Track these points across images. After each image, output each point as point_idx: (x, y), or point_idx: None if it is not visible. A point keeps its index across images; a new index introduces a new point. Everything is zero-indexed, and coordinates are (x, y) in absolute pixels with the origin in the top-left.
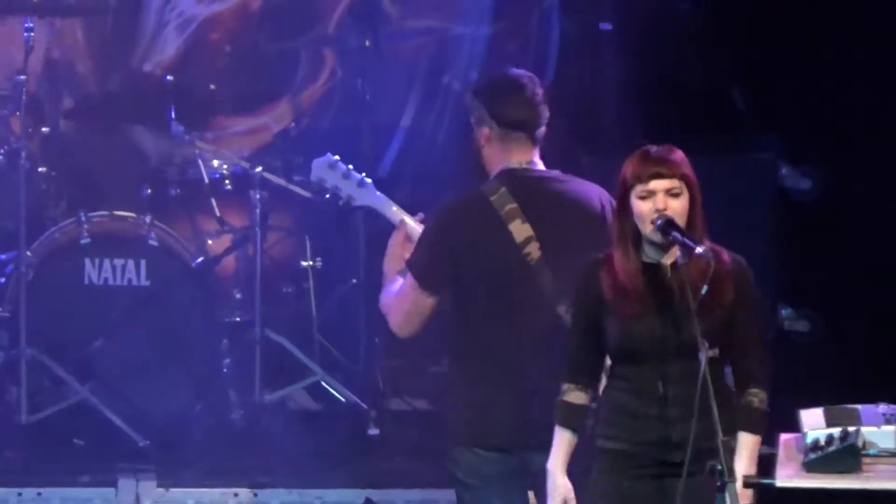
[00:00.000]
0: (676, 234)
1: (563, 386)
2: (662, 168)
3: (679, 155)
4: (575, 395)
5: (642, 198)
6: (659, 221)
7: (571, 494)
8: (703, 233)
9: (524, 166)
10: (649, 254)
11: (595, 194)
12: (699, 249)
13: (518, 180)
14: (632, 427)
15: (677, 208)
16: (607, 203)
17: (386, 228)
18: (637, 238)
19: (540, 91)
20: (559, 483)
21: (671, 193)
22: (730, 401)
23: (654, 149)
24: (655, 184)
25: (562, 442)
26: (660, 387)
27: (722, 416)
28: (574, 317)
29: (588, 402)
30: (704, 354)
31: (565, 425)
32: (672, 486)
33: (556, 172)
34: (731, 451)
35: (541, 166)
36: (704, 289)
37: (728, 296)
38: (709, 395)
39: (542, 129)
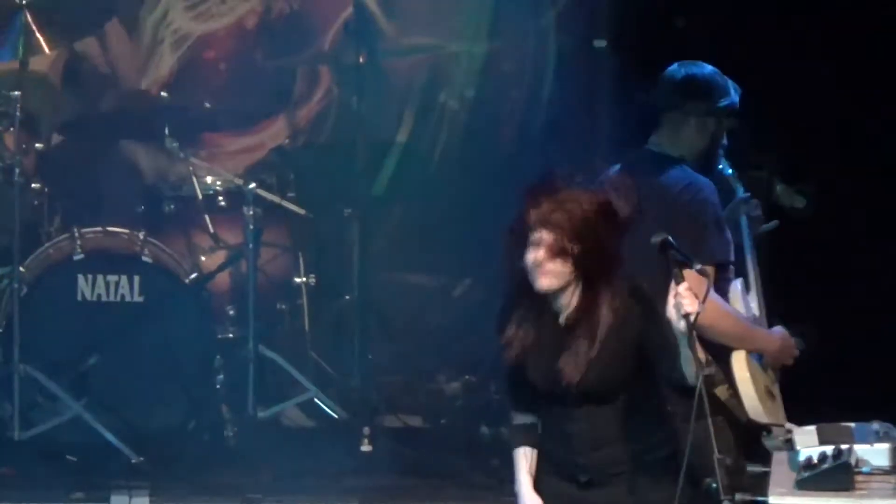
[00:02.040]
0: (674, 253)
1: (511, 413)
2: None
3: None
4: (522, 417)
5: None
6: (655, 240)
7: None
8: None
9: (647, 145)
10: None
11: (682, 182)
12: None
13: (631, 153)
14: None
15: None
16: (691, 192)
17: (380, 243)
18: None
19: (680, 78)
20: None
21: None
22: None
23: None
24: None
25: (525, 460)
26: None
27: (660, 433)
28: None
29: (536, 419)
30: (700, 374)
31: (523, 444)
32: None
33: (671, 160)
34: (725, 468)
35: (663, 148)
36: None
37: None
38: (704, 411)
39: (673, 112)
